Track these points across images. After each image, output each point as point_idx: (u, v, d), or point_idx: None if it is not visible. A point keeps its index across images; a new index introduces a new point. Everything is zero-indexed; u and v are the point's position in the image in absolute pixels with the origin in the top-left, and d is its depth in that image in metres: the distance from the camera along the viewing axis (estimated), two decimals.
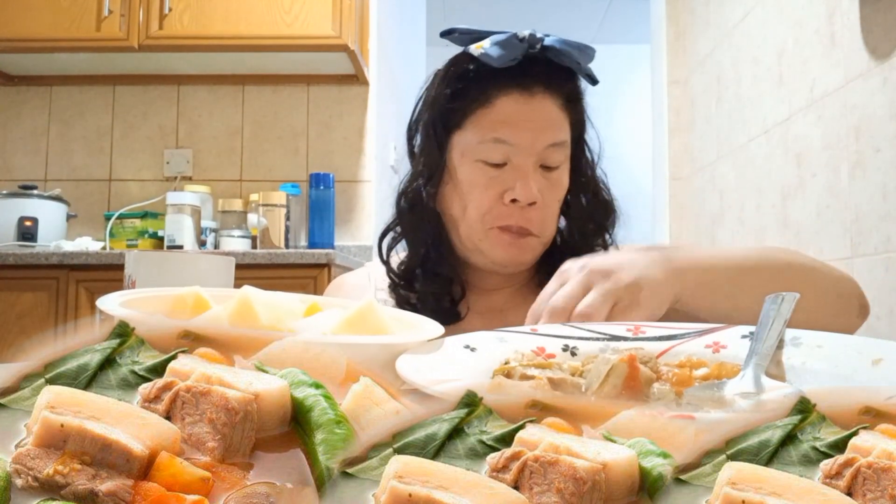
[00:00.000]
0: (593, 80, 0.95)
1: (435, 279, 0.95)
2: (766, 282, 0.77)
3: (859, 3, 1.85)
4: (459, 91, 0.93)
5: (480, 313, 0.97)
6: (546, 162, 0.92)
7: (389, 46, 3.32)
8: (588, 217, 0.99)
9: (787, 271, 0.83)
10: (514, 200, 0.89)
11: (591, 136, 1.00)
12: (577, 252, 0.92)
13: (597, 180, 1.00)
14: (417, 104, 0.99)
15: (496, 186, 0.90)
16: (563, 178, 0.95)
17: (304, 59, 2.85)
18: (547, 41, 0.90)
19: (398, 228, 1.00)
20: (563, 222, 1.00)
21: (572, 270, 0.72)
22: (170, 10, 2.67)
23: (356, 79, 3.02)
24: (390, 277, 0.98)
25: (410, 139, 1.00)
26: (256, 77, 3.04)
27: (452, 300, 0.96)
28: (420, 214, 0.97)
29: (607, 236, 0.99)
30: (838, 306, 0.84)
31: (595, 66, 0.95)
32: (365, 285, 1.03)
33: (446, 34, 0.94)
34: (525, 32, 0.90)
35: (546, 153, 0.91)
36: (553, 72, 0.92)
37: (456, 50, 0.96)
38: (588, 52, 0.93)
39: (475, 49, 0.90)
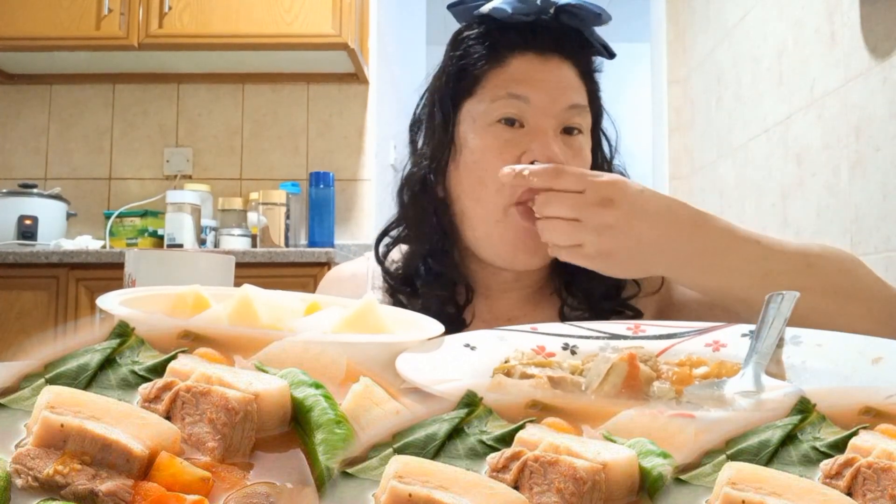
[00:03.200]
0: (610, 53, 0.88)
1: (438, 279, 0.86)
2: (829, 275, 0.72)
3: (859, 3, 1.85)
4: (469, 54, 0.84)
5: (486, 321, 0.87)
6: (568, 123, 0.83)
7: (389, 45, 3.32)
8: None
9: (845, 278, 0.74)
10: (533, 163, 0.78)
11: (607, 125, 0.92)
12: None
13: (615, 172, 0.89)
14: (421, 99, 0.92)
15: (512, 150, 0.80)
16: (585, 148, 0.85)
17: (304, 57, 2.85)
18: (560, 2, 0.83)
19: (399, 228, 0.92)
20: None
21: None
22: (169, 8, 2.67)
23: (356, 77, 3.02)
24: (387, 282, 0.90)
25: (413, 136, 0.92)
26: (256, 76, 3.04)
27: (457, 305, 0.87)
28: (424, 205, 0.87)
29: None
30: (890, 327, 0.72)
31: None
32: (363, 275, 0.95)
33: (453, 6, 0.87)
34: None
35: (566, 115, 0.83)
36: (567, 39, 0.85)
37: None
38: (603, 17, 0.84)
39: (486, 7, 0.83)
